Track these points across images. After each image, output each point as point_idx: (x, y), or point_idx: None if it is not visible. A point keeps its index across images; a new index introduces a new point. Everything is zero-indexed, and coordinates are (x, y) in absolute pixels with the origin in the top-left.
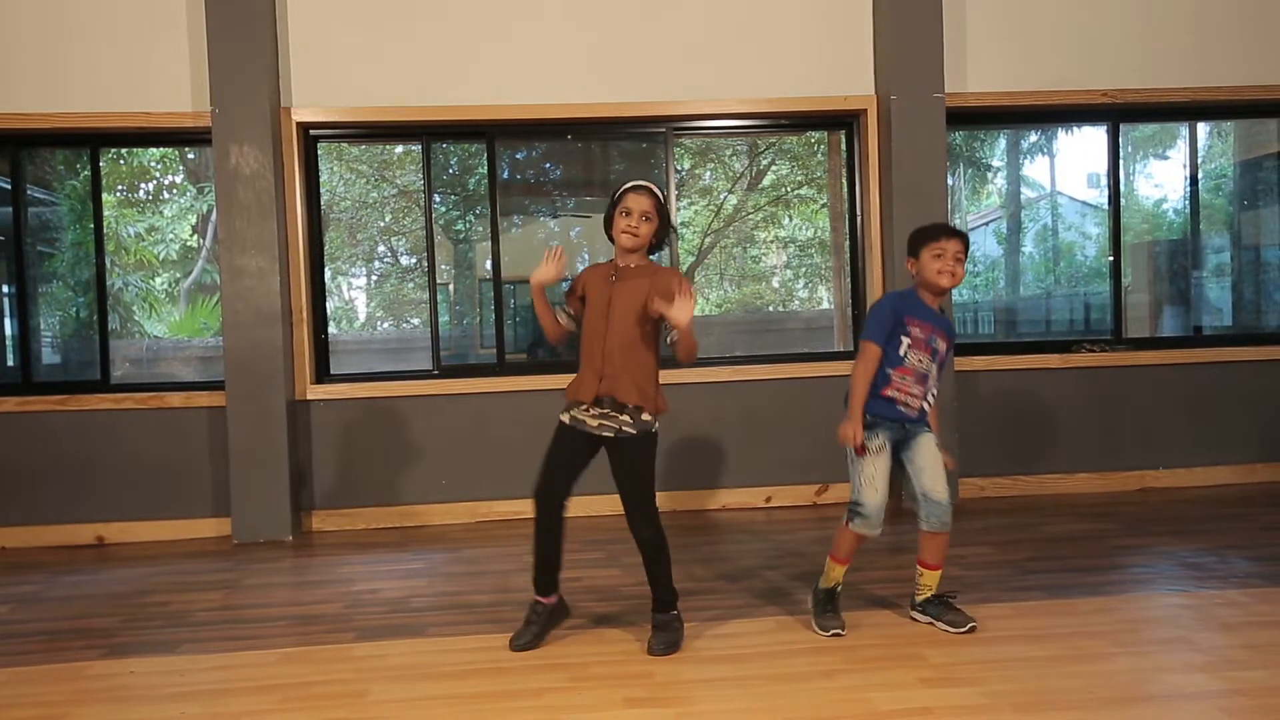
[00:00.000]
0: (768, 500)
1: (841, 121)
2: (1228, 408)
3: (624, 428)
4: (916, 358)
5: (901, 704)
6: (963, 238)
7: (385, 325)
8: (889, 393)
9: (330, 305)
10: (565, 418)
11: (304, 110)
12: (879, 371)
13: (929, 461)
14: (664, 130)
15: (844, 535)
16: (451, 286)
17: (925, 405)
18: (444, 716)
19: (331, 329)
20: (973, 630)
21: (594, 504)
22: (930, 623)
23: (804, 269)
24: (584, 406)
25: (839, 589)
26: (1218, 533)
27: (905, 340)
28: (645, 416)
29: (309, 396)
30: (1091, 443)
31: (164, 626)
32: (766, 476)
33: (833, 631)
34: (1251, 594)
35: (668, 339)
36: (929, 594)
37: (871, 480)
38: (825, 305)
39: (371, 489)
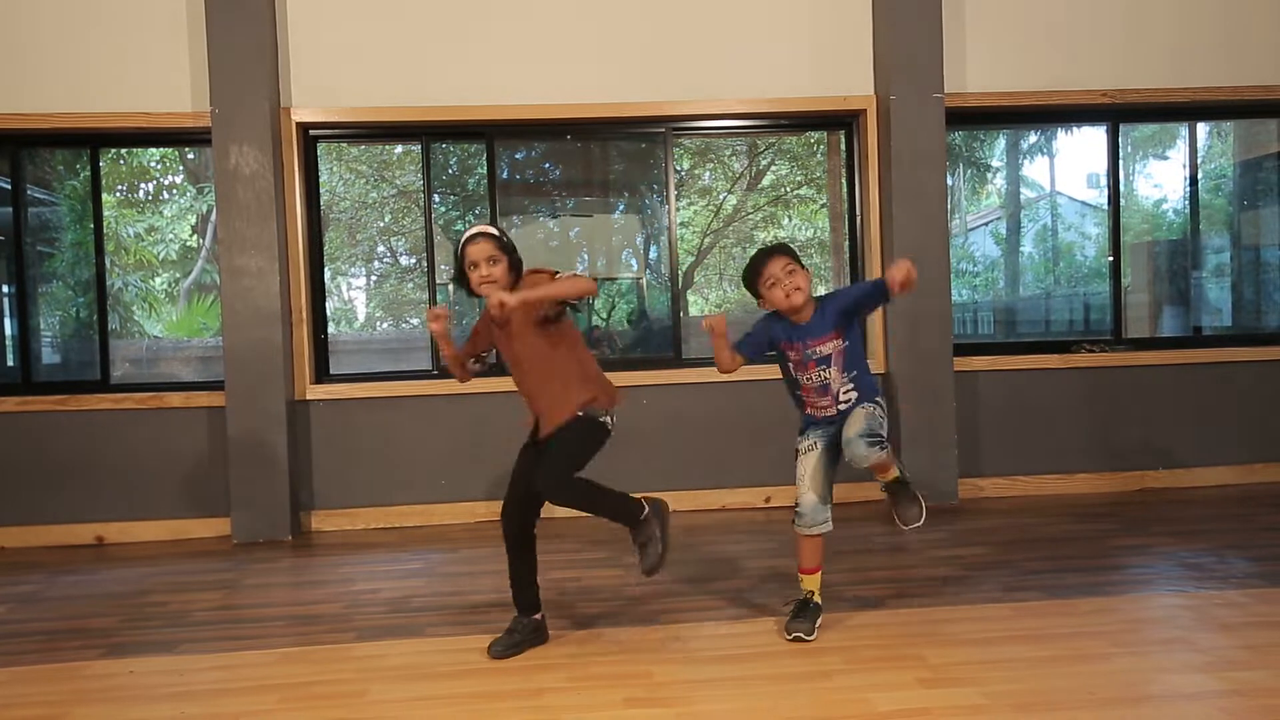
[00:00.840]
0: (767, 500)
1: (841, 122)
2: (1227, 408)
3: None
4: (806, 376)
5: (900, 704)
6: (782, 250)
7: (385, 325)
8: (808, 410)
9: (330, 305)
10: (528, 439)
11: (304, 110)
12: (791, 394)
13: (850, 420)
14: (663, 130)
15: (798, 541)
16: (451, 287)
17: (841, 405)
18: (443, 716)
19: (331, 329)
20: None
21: None
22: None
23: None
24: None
25: (813, 597)
26: (1217, 533)
27: (790, 365)
28: (580, 413)
29: (308, 396)
30: (1091, 443)
31: (163, 626)
32: (766, 476)
33: (794, 635)
34: (1251, 594)
35: (551, 313)
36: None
37: (802, 479)
38: None
39: (371, 489)
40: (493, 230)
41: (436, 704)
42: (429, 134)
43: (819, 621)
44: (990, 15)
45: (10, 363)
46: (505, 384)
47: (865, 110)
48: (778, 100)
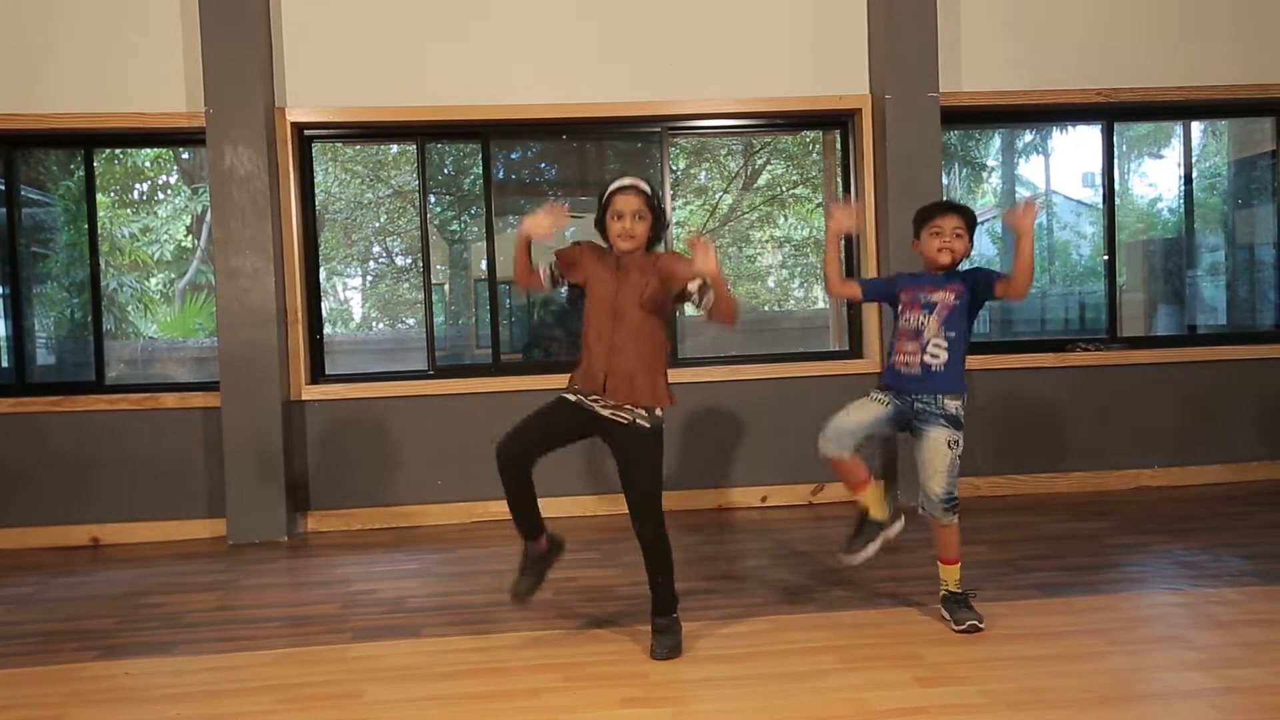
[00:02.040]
0: (764, 500)
1: (836, 121)
2: (1222, 406)
3: (638, 420)
4: (905, 318)
5: (897, 703)
6: (962, 211)
7: (380, 325)
8: (892, 359)
9: (325, 306)
10: (571, 396)
11: (298, 110)
12: (890, 346)
13: (925, 454)
14: (659, 130)
15: (833, 465)
16: (447, 286)
17: (927, 358)
18: (440, 717)
19: (327, 329)
20: (972, 630)
21: (589, 504)
22: (944, 618)
23: (799, 268)
24: (594, 396)
25: (869, 513)
26: (1212, 531)
27: (899, 308)
28: (658, 411)
29: (304, 397)
30: (1086, 441)
31: (159, 628)
32: (763, 476)
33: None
34: (1246, 592)
35: (702, 304)
36: (944, 590)
37: (844, 409)
38: (821, 305)
39: (367, 489)
40: (646, 187)
41: (433, 704)
42: (424, 134)
43: (877, 542)
44: (985, 14)
45: (4, 364)
46: (501, 384)
47: (861, 109)
48: (773, 100)
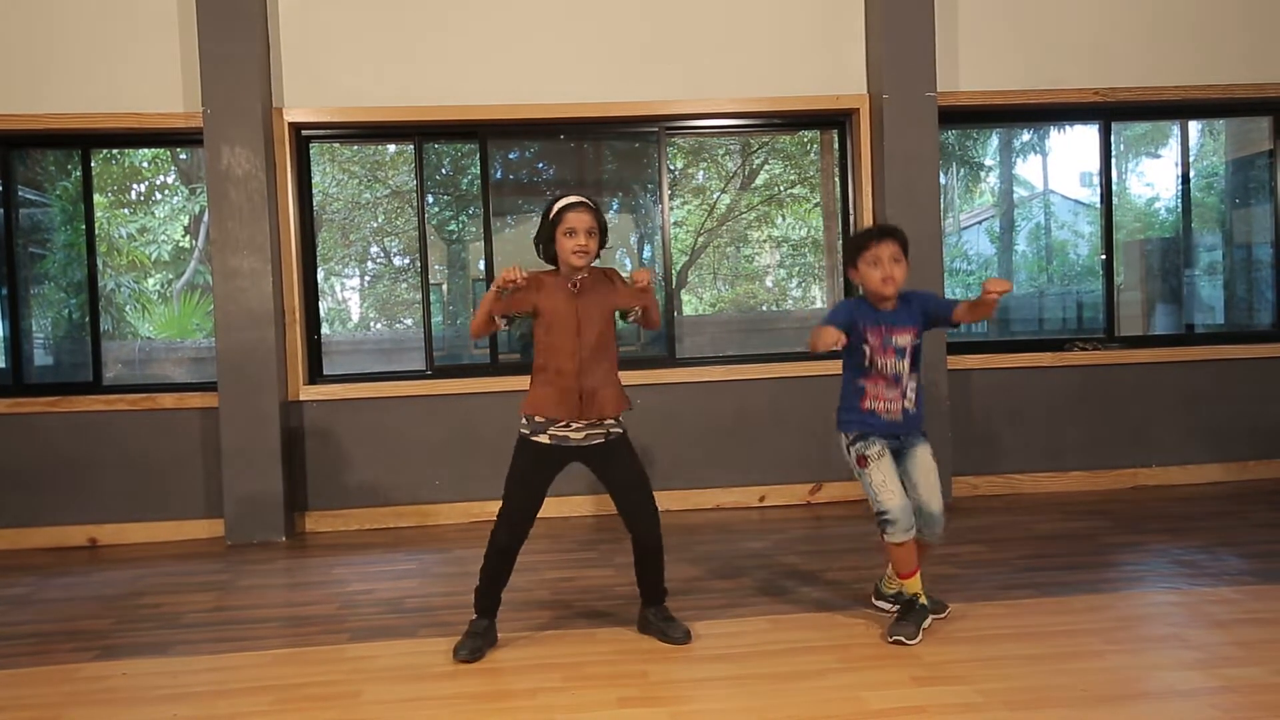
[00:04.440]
0: (761, 499)
1: (834, 120)
2: (1220, 405)
3: (610, 430)
4: (883, 362)
5: (894, 702)
6: (896, 236)
7: (378, 326)
8: (868, 405)
9: (323, 306)
10: (544, 439)
11: (296, 110)
12: (853, 386)
13: (923, 475)
14: (656, 130)
15: (890, 551)
16: (445, 286)
17: (906, 405)
18: (438, 717)
19: (324, 330)
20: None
21: (585, 504)
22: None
23: (797, 268)
24: (563, 423)
25: (919, 599)
26: (1210, 530)
27: (866, 349)
28: (620, 417)
29: (302, 397)
30: (1084, 441)
31: (157, 628)
32: (760, 476)
33: (895, 638)
34: (1243, 591)
35: (629, 318)
36: (895, 590)
37: (884, 485)
38: (818, 304)
39: (364, 490)
40: (594, 203)
41: (431, 705)
42: (422, 134)
43: (926, 624)
44: (982, 14)
45: (2, 364)
46: (498, 384)
47: (858, 109)
48: (771, 99)
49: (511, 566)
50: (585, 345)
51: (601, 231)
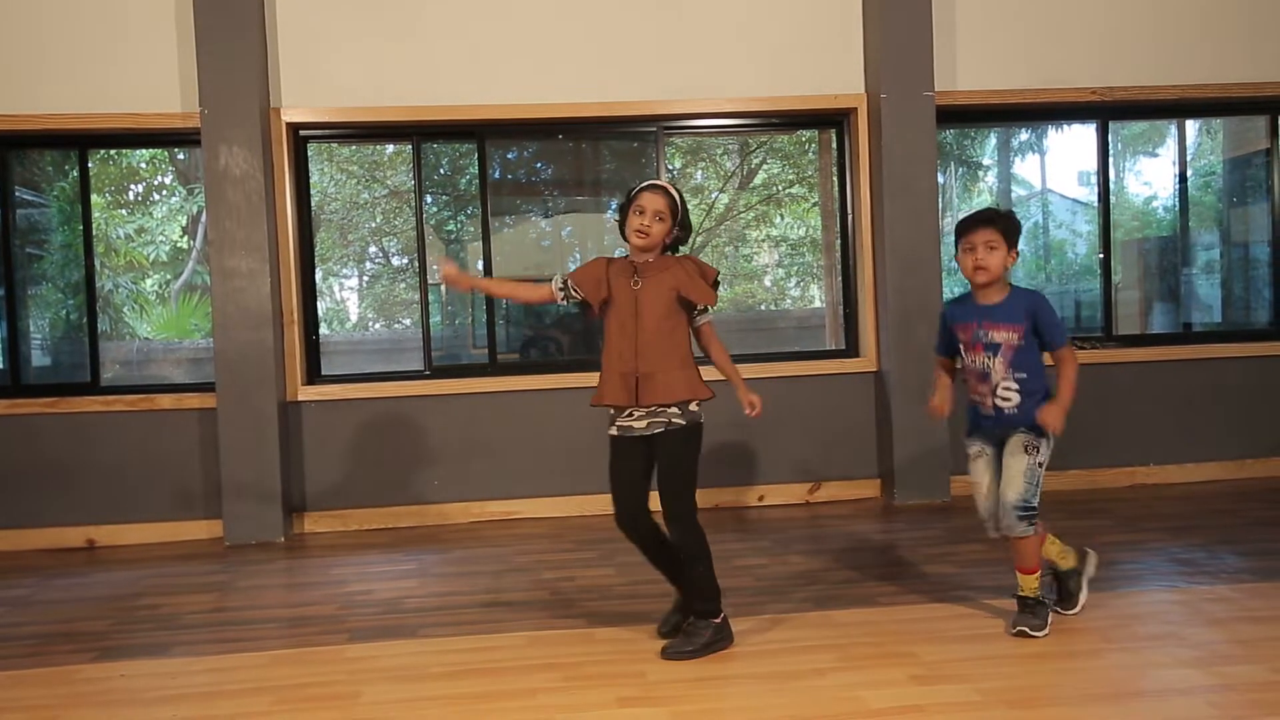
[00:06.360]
0: (760, 499)
1: (832, 120)
2: (1217, 404)
3: (673, 420)
4: (970, 359)
5: (893, 702)
6: (993, 221)
7: (377, 326)
8: (973, 397)
9: (321, 306)
10: (613, 430)
11: (294, 111)
12: (963, 376)
13: (1004, 467)
14: (655, 129)
15: (1011, 545)
16: (443, 287)
17: (999, 401)
18: (437, 717)
19: (323, 330)
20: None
21: (586, 504)
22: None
23: (796, 268)
24: (626, 411)
25: (1039, 594)
26: (1207, 528)
27: (960, 344)
28: (693, 406)
29: (300, 398)
30: (1082, 439)
31: (155, 629)
32: (759, 475)
33: (1018, 630)
34: (1241, 589)
35: (696, 321)
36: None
37: (976, 487)
38: (817, 304)
39: (363, 490)
40: (674, 192)
41: (430, 705)
42: (420, 134)
43: (1050, 619)
44: (980, 13)
45: None
46: (497, 384)
47: (856, 109)
48: (769, 99)
49: (649, 541)
50: (644, 330)
51: (674, 218)
